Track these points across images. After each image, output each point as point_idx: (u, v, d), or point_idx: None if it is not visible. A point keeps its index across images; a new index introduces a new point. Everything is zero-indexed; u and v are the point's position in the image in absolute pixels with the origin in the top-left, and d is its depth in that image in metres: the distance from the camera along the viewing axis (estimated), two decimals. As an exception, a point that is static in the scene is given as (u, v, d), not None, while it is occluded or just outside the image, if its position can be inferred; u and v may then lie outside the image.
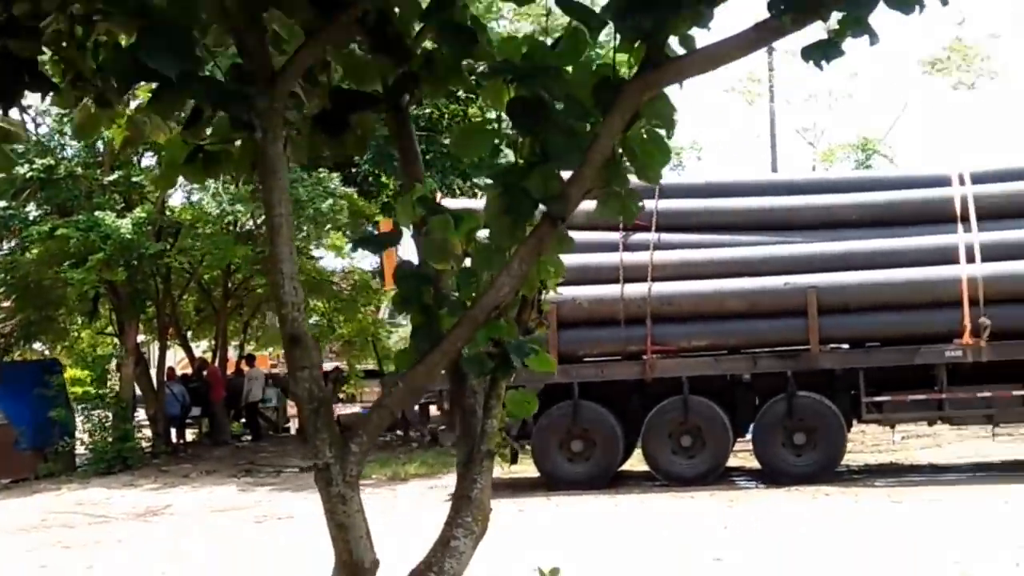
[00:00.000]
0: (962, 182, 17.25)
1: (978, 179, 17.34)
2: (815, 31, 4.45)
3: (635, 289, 16.53)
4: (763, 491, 15.62)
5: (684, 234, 16.99)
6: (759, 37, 4.42)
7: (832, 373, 16.50)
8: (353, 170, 26.99)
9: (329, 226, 25.89)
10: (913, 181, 18.01)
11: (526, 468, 16.64)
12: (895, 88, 54.18)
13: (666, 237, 16.92)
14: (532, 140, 4.74)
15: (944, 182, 17.47)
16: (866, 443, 19.62)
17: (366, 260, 31.94)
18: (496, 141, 5.18)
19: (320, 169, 23.68)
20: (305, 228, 25.47)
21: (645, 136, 4.76)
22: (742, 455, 17.89)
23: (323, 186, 23.80)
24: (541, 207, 4.81)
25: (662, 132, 4.88)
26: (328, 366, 32.15)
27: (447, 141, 25.89)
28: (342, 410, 32.57)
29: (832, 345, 16.61)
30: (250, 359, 31.53)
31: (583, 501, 14.90)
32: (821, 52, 4.37)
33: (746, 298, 16.61)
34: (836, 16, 4.40)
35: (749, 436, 17.10)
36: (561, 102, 4.74)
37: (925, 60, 36.69)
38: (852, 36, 4.32)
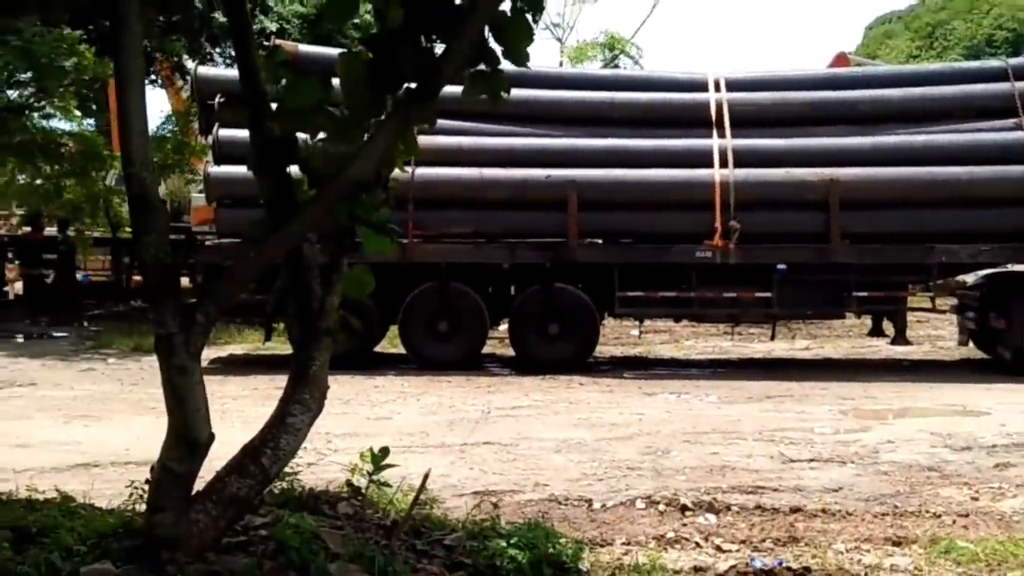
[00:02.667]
0: (718, 88, 17.77)
1: (733, 86, 17.90)
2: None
3: (396, 172, 16.32)
4: (517, 378, 15.90)
5: (451, 120, 16.84)
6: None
7: (588, 267, 16.85)
8: (90, 27, 25.61)
9: (67, 85, 24.58)
10: (672, 83, 18.41)
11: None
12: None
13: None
14: (402, 8, 4.55)
15: (700, 86, 17.94)
16: (608, 336, 20.22)
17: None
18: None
19: (62, 25, 22.39)
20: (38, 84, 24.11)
21: (510, 15, 4.66)
22: (492, 343, 18.17)
23: (66, 43, 22.49)
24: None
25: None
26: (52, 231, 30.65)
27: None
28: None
29: (589, 239, 16.93)
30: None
31: (339, 382, 14.76)
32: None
33: (508, 188, 16.73)
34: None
35: (505, 324, 17.42)
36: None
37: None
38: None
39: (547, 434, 11.21)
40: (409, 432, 11.29)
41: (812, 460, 9.90)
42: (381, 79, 4.63)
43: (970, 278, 18.19)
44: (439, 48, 4.65)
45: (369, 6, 4.94)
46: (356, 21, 19.95)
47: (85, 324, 23.80)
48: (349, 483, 6.42)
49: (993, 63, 19.90)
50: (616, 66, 35.74)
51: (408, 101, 4.68)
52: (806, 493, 8.51)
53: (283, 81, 4.81)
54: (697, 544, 6.94)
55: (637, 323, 20.04)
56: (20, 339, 21.50)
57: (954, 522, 7.60)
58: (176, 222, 31.07)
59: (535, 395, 14.19)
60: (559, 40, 38.65)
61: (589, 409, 13.00)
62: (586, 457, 9.99)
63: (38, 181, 29.02)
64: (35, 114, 27.04)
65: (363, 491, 6.31)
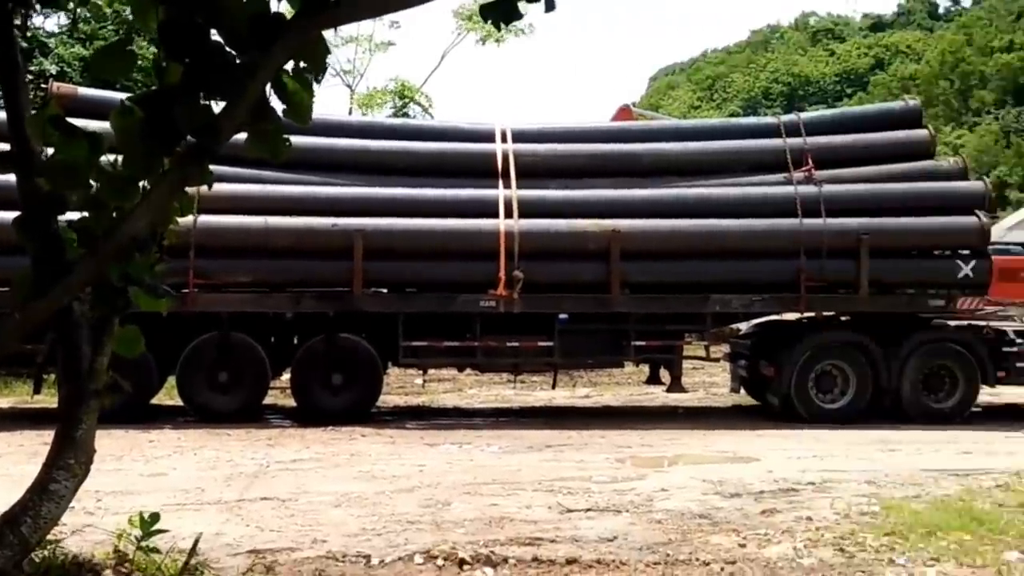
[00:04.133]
0: (504, 139, 18.04)
1: (519, 137, 18.19)
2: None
3: (181, 220, 16.00)
4: (299, 430, 15.72)
5: (235, 167, 16.59)
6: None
7: (373, 316, 16.82)
8: None
9: None
10: (459, 133, 18.61)
11: None
12: (433, 40, 55.54)
13: (213, 168, 16.41)
14: (182, 67, 4.51)
15: (487, 137, 18.19)
16: (392, 385, 20.20)
17: None
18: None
19: None
20: None
21: (292, 75, 4.67)
22: (274, 393, 17.92)
23: None
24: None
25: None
26: None
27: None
28: None
29: (374, 289, 16.92)
30: None
31: (111, 437, 14.29)
32: (500, 12, 4.45)
33: (293, 236, 16.57)
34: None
35: (287, 374, 17.21)
36: (219, 30, 4.53)
37: (460, 12, 37.42)
38: (528, 1, 4.43)
39: (327, 488, 11.10)
40: (184, 488, 11.01)
41: (589, 509, 10.08)
42: (158, 135, 4.57)
43: (744, 326, 18.93)
44: (218, 104, 4.62)
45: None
46: (143, 63, 19.52)
47: None
48: (116, 549, 6.22)
49: (767, 120, 20.81)
50: (406, 114, 35.90)
51: (185, 158, 4.62)
52: (582, 543, 8.65)
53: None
54: (474, 599, 6.98)
55: (421, 372, 20.06)
56: None
57: (722, 569, 7.84)
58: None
59: (316, 447, 14.05)
60: (349, 87, 38.57)
61: (370, 461, 12.93)
62: (366, 511, 9.93)
63: None
64: None
65: (130, 558, 6.13)
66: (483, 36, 36.69)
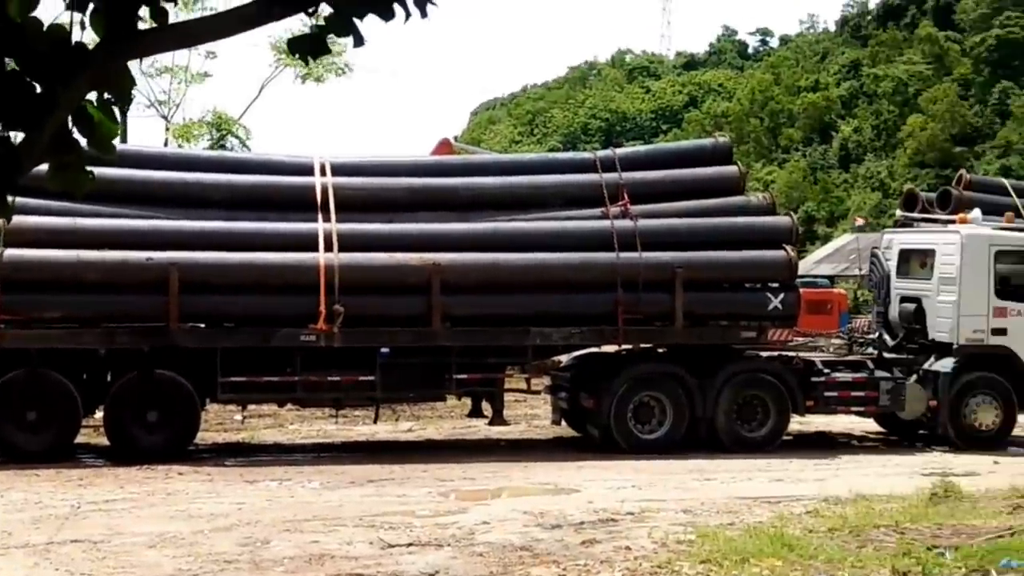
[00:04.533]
0: (324, 172, 17.89)
1: (338, 170, 18.07)
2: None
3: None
4: (112, 469, 15.26)
5: (44, 199, 16.07)
6: (243, 20, 4.38)
7: (189, 351, 16.46)
8: None
9: None
10: (278, 166, 18.43)
11: None
12: (250, 72, 54.73)
13: (22, 201, 15.91)
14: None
15: (307, 170, 18.02)
16: (210, 422, 19.76)
17: None
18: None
19: None
20: None
21: (96, 106, 4.55)
22: (87, 432, 17.36)
23: None
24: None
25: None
26: None
27: None
28: None
29: (191, 323, 16.56)
30: None
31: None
32: (308, 46, 4.42)
33: (105, 270, 16.14)
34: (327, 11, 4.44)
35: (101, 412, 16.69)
36: (15, 58, 4.38)
37: (277, 46, 36.90)
38: (337, 35, 4.40)
39: (141, 528, 10.83)
40: (-10, 532, 10.59)
41: (411, 544, 10.06)
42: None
43: (565, 358, 19.13)
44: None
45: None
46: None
47: None
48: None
49: (583, 155, 21.16)
50: (223, 146, 35.27)
51: (-20, 192, 4.44)
52: (403, 578, 8.62)
53: None
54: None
55: (241, 408, 19.69)
56: None
57: (541, 601, 7.90)
58: None
59: (131, 487, 13.68)
60: (165, 118, 37.70)
61: (187, 500, 12.66)
62: (182, 551, 9.72)
63: None
64: None
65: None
66: (303, 74, 36.36)
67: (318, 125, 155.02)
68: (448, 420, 21.36)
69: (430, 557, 9.47)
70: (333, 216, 17.11)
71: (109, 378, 16.63)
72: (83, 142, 4.59)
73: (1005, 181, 26.58)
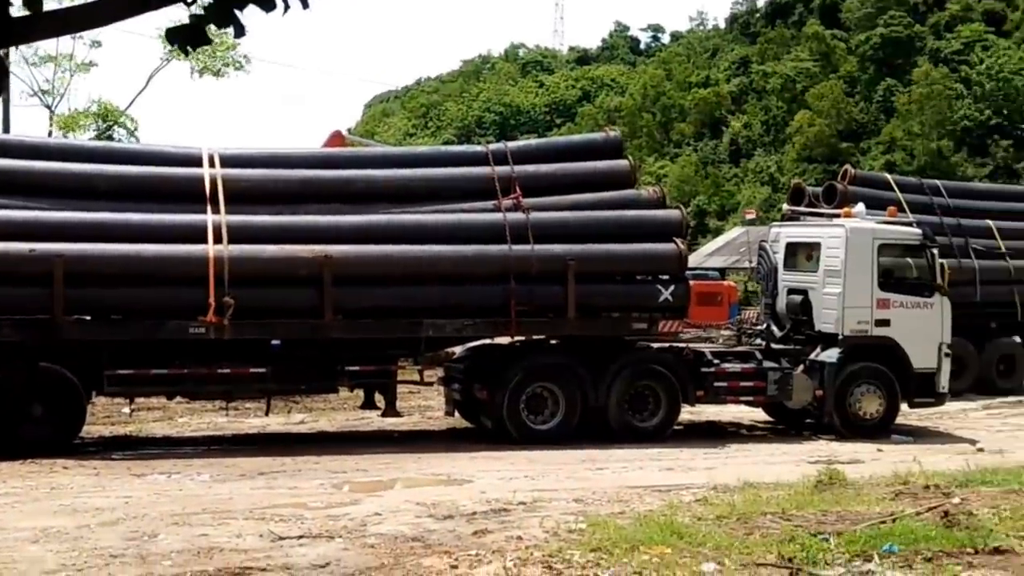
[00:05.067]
0: (212, 163, 17.66)
1: (228, 162, 17.84)
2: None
3: None
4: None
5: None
6: (121, 9, 4.32)
7: (75, 344, 16.13)
8: None
9: None
10: (166, 157, 18.13)
11: None
12: (138, 62, 53.80)
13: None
14: None
15: (195, 161, 17.77)
16: (98, 415, 19.43)
17: None
18: None
19: None
20: None
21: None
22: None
23: None
24: None
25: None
26: None
27: None
28: None
29: (77, 316, 16.24)
30: None
31: None
32: (188, 36, 4.36)
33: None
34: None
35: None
36: None
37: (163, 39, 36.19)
38: (217, 26, 4.36)
39: (24, 523, 10.62)
40: None
41: (302, 536, 9.99)
42: None
43: (459, 350, 19.15)
44: None
45: None
46: None
47: None
48: None
49: (475, 148, 21.17)
50: (110, 137, 34.64)
51: None
52: (294, 571, 8.58)
53: None
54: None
55: (129, 401, 19.37)
56: None
57: (432, 591, 7.91)
58: None
59: (13, 482, 13.39)
60: (49, 107, 36.90)
61: (72, 494, 12.44)
62: (66, 547, 9.55)
63: None
64: None
65: None
66: (200, 68, 35.83)
67: (210, 118, 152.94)
68: (341, 412, 21.27)
69: (321, 549, 9.42)
70: (223, 208, 16.89)
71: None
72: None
73: (889, 176, 27.32)
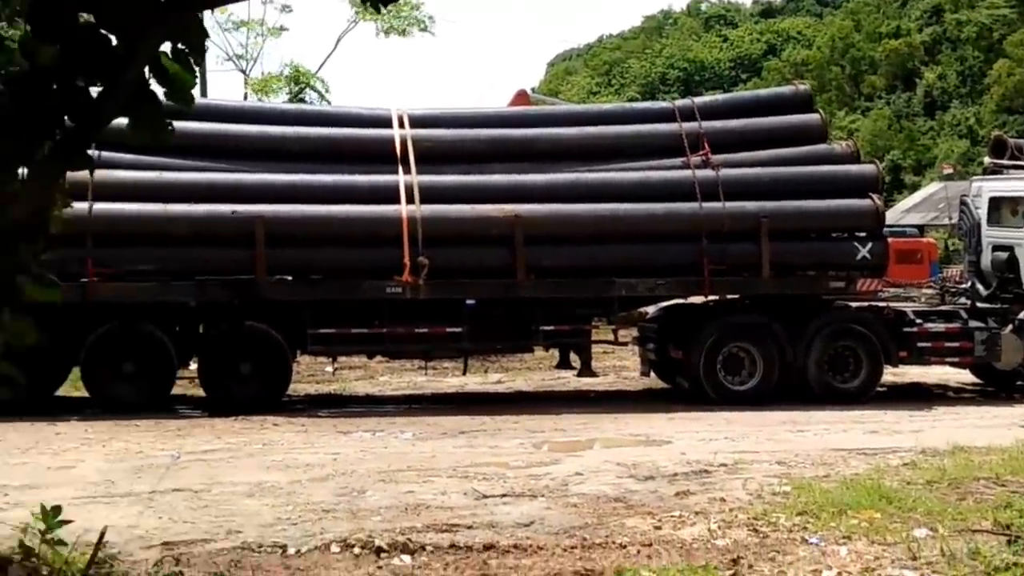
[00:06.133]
0: (402, 124, 17.83)
1: (417, 122, 18.00)
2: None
3: (75, 208, 15.61)
4: (209, 420, 15.46)
5: (129, 154, 16.16)
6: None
7: (278, 304, 16.55)
8: None
9: None
10: (357, 119, 18.40)
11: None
12: (327, 25, 54.63)
13: (110, 155, 16.02)
14: (54, 49, 4.30)
15: (385, 122, 17.98)
16: (302, 373, 19.95)
17: None
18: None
19: None
20: None
21: (172, 59, 4.50)
22: (183, 383, 17.60)
23: None
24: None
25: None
26: None
27: None
28: None
29: (278, 276, 16.63)
30: None
31: (17, 430, 13.89)
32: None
33: (192, 224, 16.26)
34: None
35: (194, 364, 16.92)
36: (92, 11, 4.32)
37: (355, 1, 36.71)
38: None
39: (240, 478, 10.92)
40: (94, 481, 10.79)
41: (505, 495, 10.03)
42: (33, 120, 4.35)
43: (652, 310, 18.98)
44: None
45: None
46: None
47: None
48: (22, 543, 6.01)
49: (662, 104, 20.89)
50: (302, 100, 35.33)
51: (64, 144, 4.41)
52: (499, 529, 8.59)
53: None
54: (392, 587, 6.87)
55: (331, 360, 19.86)
56: None
57: (639, 552, 7.83)
58: None
59: (228, 437, 13.82)
60: (243, 72, 37.90)
61: (283, 450, 12.77)
62: (280, 501, 9.79)
63: None
64: None
65: (36, 552, 5.93)
66: (385, 28, 36.25)
67: (396, 79, 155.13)
68: (537, 372, 21.37)
69: (524, 507, 9.44)
70: (413, 168, 17.06)
71: (201, 330, 16.85)
72: (161, 94, 4.55)
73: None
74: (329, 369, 20.93)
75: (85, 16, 4.32)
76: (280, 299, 16.56)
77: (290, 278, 16.81)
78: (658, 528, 8.68)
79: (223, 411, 15.90)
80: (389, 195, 16.81)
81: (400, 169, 17.06)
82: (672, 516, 9.09)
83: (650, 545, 8.02)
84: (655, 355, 18.42)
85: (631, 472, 11.16)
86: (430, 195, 16.84)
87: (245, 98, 35.55)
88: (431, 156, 17.39)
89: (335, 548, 7.87)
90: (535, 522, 8.85)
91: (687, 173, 17.45)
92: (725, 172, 17.41)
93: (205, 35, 4.47)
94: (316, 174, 17.04)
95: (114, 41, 4.33)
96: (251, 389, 16.38)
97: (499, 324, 17.25)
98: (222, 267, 16.47)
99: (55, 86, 4.25)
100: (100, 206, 15.49)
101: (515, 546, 7.92)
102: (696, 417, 15.45)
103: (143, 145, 15.15)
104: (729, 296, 17.96)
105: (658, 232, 17.20)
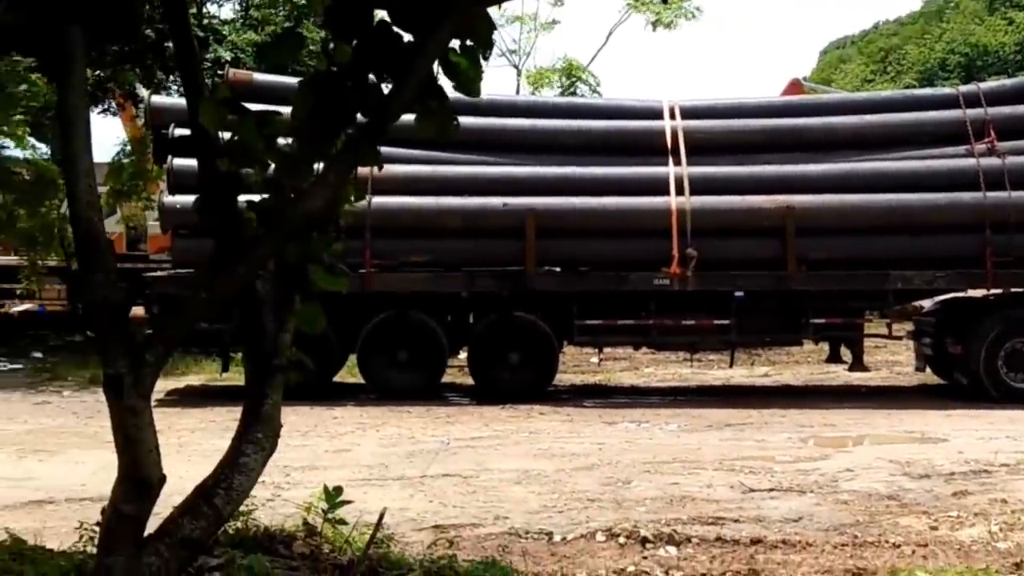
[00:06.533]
0: (673, 115, 17.81)
1: (688, 113, 17.95)
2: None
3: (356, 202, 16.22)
4: (477, 408, 15.85)
5: (407, 148, 16.69)
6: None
7: (546, 295, 16.81)
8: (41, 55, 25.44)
9: (20, 112, 24.43)
10: (628, 111, 18.47)
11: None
12: (598, 18, 55.00)
13: (387, 150, 16.54)
14: (349, 47, 4.49)
15: (656, 114, 17.99)
16: (567, 363, 20.19)
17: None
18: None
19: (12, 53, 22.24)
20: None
21: (459, 53, 4.61)
22: (451, 371, 18.10)
23: (17, 68, 22.26)
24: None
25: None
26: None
27: (149, 32, 24.73)
28: (19, 307, 31.00)
29: (547, 268, 16.89)
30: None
31: (297, 413, 14.58)
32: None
33: (465, 216, 16.71)
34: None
35: (464, 353, 17.39)
36: (385, 9, 4.49)
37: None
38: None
39: (507, 465, 11.15)
40: (368, 464, 11.21)
41: (772, 489, 9.89)
42: (330, 117, 4.57)
43: (927, 303, 18.32)
44: (387, 85, 4.60)
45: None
46: (312, 48, 19.93)
47: (40, 355, 23.48)
48: (305, 522, 6.32)
49: (945, 90, 20.12)
50: (573, 93, 35.72)
51: (357, 139, 4.61)
52: (766, 524, 8.48)
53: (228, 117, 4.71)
54: (657, 578, 6.88)
55: (597, 351, 20.04)
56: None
57: (913, 552, 7.58)
58: (133, 250, 30.85)
59: (495, 425, 14.12)
60: (515, 67, 38.62)
61: (550, 439, 12.95)
62: (546, 488, 9.94)
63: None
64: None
65: (318, 530, 6.23)
66: (653, 20, 36.25)
67: (665, 71, 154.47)
68: (805, 365, 20.97)
69: (793, 503, 9.27)
70: (684, 159, 17.02)
71: (471, 320, 17.29)
72: (448, 88, 4.68)
73: None
74: (595, 360, 21.11)
75: (379, 14, 4.50)
76: (548, 290, 16.80)
77: (558, 269, 17.03)
78: (934, 528, 8.38)
79: (490, 399, 16.27)
80: (659, 187, 16.83)
81: (670, 160, 17.06)
82: (949, 516, 8.76)
83: (926, 545, 7.75)
84: (931, 350, 17.79)
85: (905, 470, 10.81)
86: (700, 186, 16.81)
87: (517, 92, 36.22)
88: (702, 147, 17.34)
89: (600, 537, 7.93)
90: (804, 518, 8.70)
91: (970, 161, 16.80)
92: (1012, 160, 16.65)
93: (493, 28, 4.59)
94: (587, 167, 17.19)
95: (406, 38, 4.49)
96: (518, 378, 16.70)
97: (768, 317, 17.02)
98: (492, 258, 16.83)
99: (349, 83, 4.44)
100: (378, 199, 16.07)
101: (783, 541, 7.79)
102: (975, 415, 14.82)
103: (418, 140, 15.68)
104: (1014, 289, 17.12)
105: (938, 223, 16.60)
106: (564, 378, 18.90)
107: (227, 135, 4.83)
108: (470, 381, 17.44)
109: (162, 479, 4.72)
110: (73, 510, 8.66)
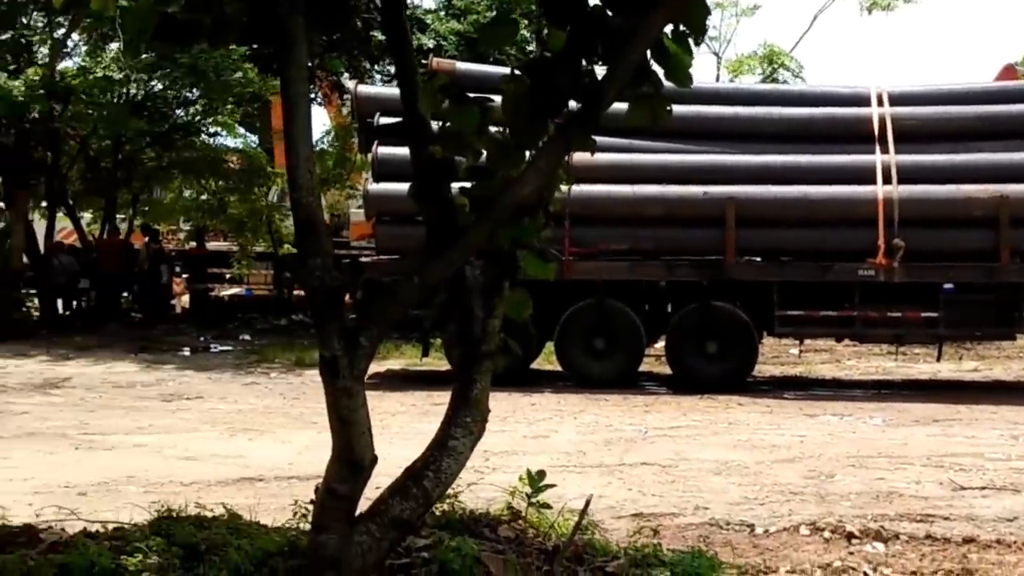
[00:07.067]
0: (881, 102, 17.33)
1: (896, 100, 17.45)
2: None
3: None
4: (674, 397, 15.76)
5: (605, 136, 16.65)
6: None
7: (746, 284, 16.60)
8: (254, 45, 26.33)
9: (232, 101, 25.36)
10: (832, 97, 18.05)
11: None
12: (802, 3, 53.76)
13: (587, 138, 16.55)
14: (563, 33, 4.51)
15: (863, 101, 17.54)
16: (766, 354, 19.87)
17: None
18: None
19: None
20: (205, 102, 24.95)
21: (671, 38, 4.57)
22: (648, 360, 18.03)
23: (231, 58, 23.13)
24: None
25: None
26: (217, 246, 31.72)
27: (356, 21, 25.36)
28: (228, 291, 32.20)
29: (747, 257, 16.66)
30: (152, 233, 30.61)
31: (496, 399, 14.75)
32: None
33: (664, 205, 16.62)
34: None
35: (662, 342, 17.30)
36: (599, -3, 4.48)
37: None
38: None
39: (706, 455, 11.06)
40: (566, 451, 11.27)
41: (984, 488, 9.56)
42: (542, 103, 4.59)
43: None
44: (600, 70, 4.60)
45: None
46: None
47: (248, 338, 24.34)
48: (509, 506, 6.39)
49: None
50: (775, 80, 35.12)
51: (569, 125, 4.63)
52: (979, 522, 8.20)
53: (443, 105, 4.79)
54: (865, 574, 6.72)
55: (796, 342, 19.69)
56: (187, 352, 22.09)
57: None
58: (336, 237, 31.69)
59: (693, 415, 14.03)
60: (716, 54, 38.26)
61: (749, 430, 12.80)
62: (747, 480, 9.82)
63: (203, 197, 30.04)
64: (201, 132, 28.01)
65: (523, 514, 6.28)
66: (869, 5, 35.39)
67: (875, 56, 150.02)
68: (1017, 361, 20.16)
69: (1006, 502, 8.93)
70: (891, 147, 16.56)
71: (669, 309, 17.19)
72: (660, 74, 4.66)
73: None
74: (794, 351, 20.75)
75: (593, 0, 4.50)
76: (748, 280, 16.58)
77: (759, 259, 16.79)
78: None
79: (688, 389, 16.16)
80: (864, 175, 16.45)
81: (877, 148, 16.63)
82: None
83: None
84: None
85: None
86: (908, 175, 16.36)
87: (717, 79, 35.84)
88: (911, 134, 16.85)
89: (804, 531, 7.78)
90: (1019, 517, 8.38)
91: None
92: None
93: (708, 13, 4.55)
94: (790, 155, 16.88)
95: (619, 22, 4.48)
96: (716, 368, 16.55)
97: (979, 310, 16.44)
98: (692, 247, 16.71)
99: (562, 69, 4.46)
100: (577, 188, 16.04)
101: (998, 541, 7.51)
102: None
103: (616, 128, 15.62)
104: None
105: None
106: (763, 369, 18.61)
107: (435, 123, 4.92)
108: (667, 370, 17.33)
109: (374, 460, 4.84)
110: (282, 487, 8.96)
